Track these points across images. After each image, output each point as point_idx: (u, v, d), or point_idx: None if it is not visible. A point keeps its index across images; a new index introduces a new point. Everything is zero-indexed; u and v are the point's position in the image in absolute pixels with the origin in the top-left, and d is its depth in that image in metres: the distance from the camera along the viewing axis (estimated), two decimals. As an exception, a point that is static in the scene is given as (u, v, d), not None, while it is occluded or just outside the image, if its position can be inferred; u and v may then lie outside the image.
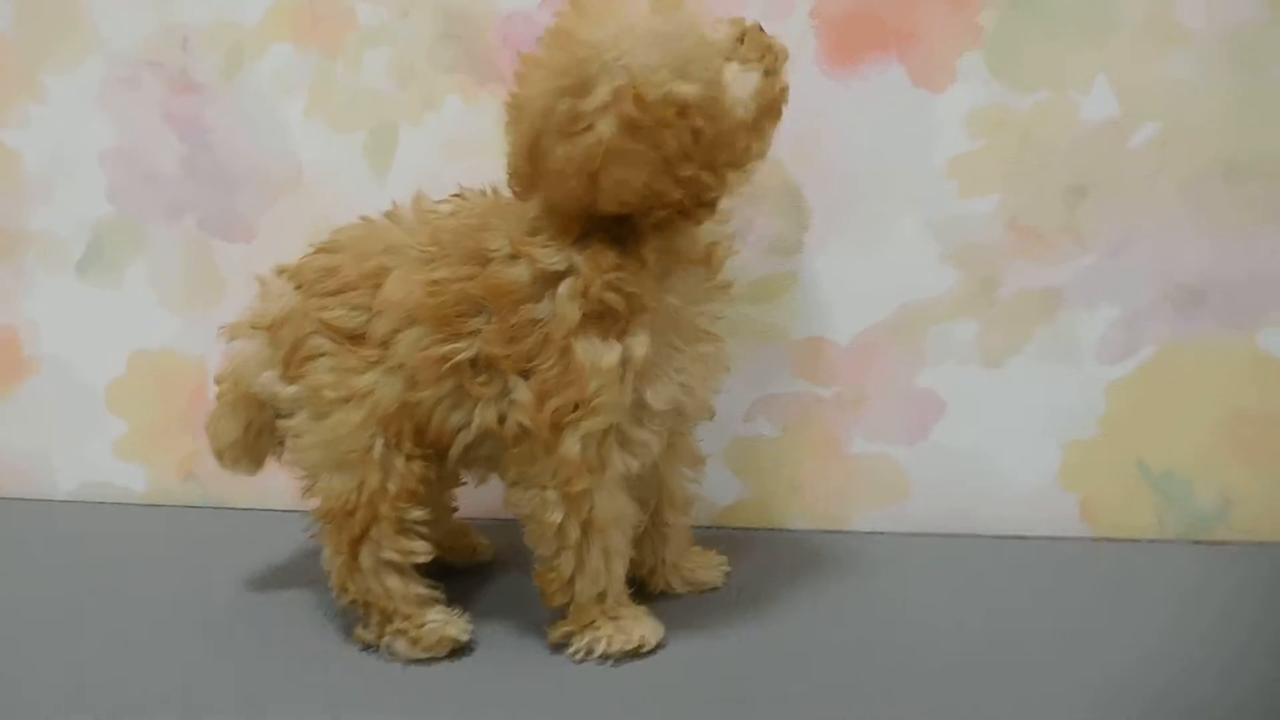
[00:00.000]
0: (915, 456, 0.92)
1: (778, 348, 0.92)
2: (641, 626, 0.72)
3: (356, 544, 0.72)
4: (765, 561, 0.87)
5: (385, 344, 0.71)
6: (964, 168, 0.87)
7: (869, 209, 0.89)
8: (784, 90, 0.68)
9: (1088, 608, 0.76)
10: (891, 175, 0.88)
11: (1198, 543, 0.87)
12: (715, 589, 0.82)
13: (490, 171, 0.73)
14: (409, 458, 0.72)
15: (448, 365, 0.69)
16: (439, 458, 0.73)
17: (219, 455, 0.79)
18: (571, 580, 0.71)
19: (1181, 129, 0.84)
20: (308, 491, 0.74)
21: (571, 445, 0.67)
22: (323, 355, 0.72)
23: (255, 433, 0.77)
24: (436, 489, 0.78)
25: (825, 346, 0.92)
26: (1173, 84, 0.83)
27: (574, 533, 0.69)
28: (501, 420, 0.69)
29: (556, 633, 0.72)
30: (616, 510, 0.70)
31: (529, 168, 0.66)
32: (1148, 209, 0.85)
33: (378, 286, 0.71)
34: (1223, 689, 0.65)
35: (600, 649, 0.71)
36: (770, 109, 0.67)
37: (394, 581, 0.73)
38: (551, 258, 0.66)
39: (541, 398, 0.67)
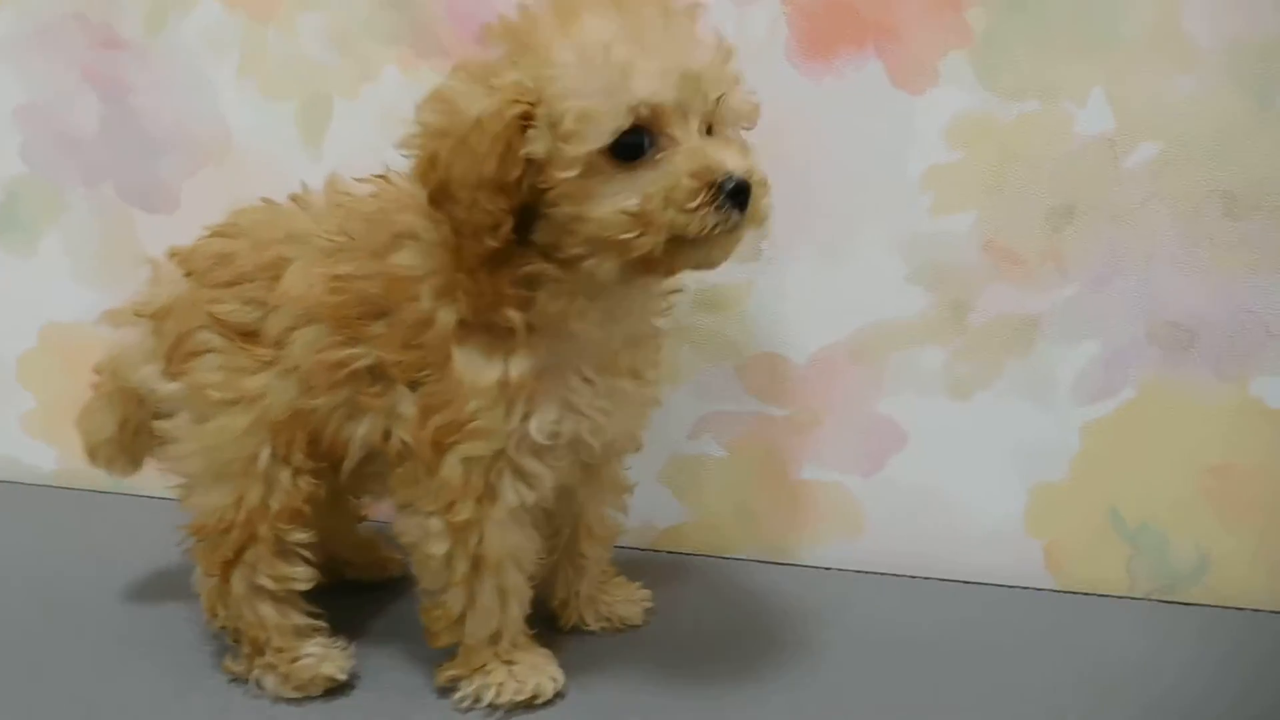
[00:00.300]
0: (870, 489, 0.86)
1: (728, 362, 0.86)
2: (538, 674, 0.66)
3: (229, 566, 0.65)
4: (700, 592, 0.81)
5: (280, 344, 0.64)
6: (941, 179, 0.80)
7: (835, 218, 0.82)
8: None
9: (1045, 663, 0.71)
10: (861, 183, 0.81)
11: (1168, 602, 0.81)
12: (635, 627, 0.75)
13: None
14: (297, 472, 0.65)
15: (344, 372, 0.62)
16: (333, 472, 0.67)
17: (90, 453, 0.73)
18: (461, 619, 0.64)
19: (1182, 151, 0.76)
20: (184, 503, 0.67)
21: (453, 468, 0.60)
22: (210, 351, 0.66)
23: (132, 431, 0.71)
24: (335, 501, 0.71)
25: (780, 364, 0.85)
26: (1176, 102, 0.75)
27: (462, 567, 0.62)
28: (386, 436, 0.63)
29: (443, 675, 0.66)
30: (511, 545, 0.63)
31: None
32: (1139, 237, 0.78)
33: (276, 279, 0.65)
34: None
35: (489, 697, 0.64)
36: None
37: (268, 610, 0.66)
38: (413, 258, 0.60)
39: (425, 412, 0.60)
